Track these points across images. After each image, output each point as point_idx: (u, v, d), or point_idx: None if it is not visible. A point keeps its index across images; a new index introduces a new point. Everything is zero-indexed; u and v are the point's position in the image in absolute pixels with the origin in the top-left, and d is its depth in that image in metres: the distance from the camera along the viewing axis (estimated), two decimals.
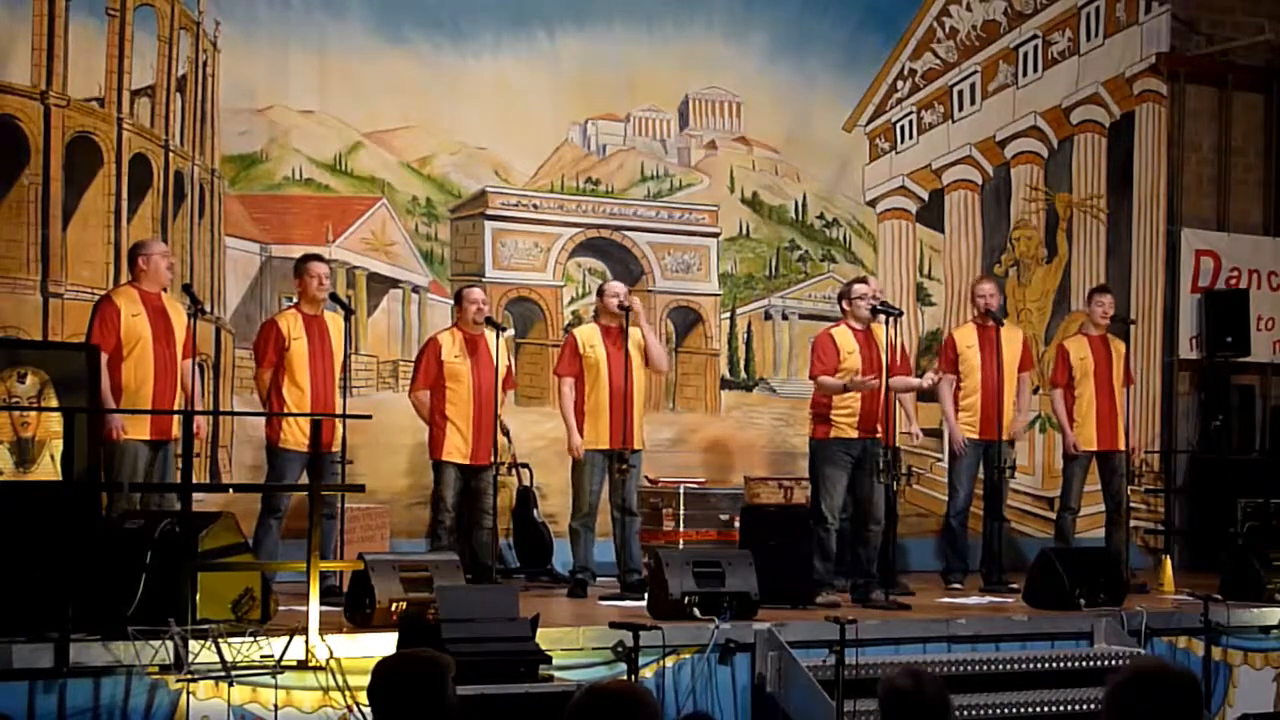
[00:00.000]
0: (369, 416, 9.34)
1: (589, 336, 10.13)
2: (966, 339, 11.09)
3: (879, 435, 9.84)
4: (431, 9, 11.49)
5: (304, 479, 8.94)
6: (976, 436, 10.92)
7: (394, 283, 11.45)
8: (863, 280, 10.45)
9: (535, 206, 11.93)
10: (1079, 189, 13.76)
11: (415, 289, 11.51)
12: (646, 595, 8.86)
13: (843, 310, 10.19)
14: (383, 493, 10.39)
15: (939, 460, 11.49)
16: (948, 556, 11.16)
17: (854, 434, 9.87)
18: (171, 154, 10.66)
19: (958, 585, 10.80)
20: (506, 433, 10.64)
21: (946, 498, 11.27)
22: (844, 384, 9.78)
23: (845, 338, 9.99)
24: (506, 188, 11.82)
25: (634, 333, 10.07)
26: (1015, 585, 10.30)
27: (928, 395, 11.14)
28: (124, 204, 10.46)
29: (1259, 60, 14.39)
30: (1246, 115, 14.47)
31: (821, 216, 12.94)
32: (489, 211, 11.75)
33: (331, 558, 8.68)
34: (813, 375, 10.10)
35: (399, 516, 10.59)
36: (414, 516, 10.71)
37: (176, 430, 8.74)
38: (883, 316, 9.94)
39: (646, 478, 10.41)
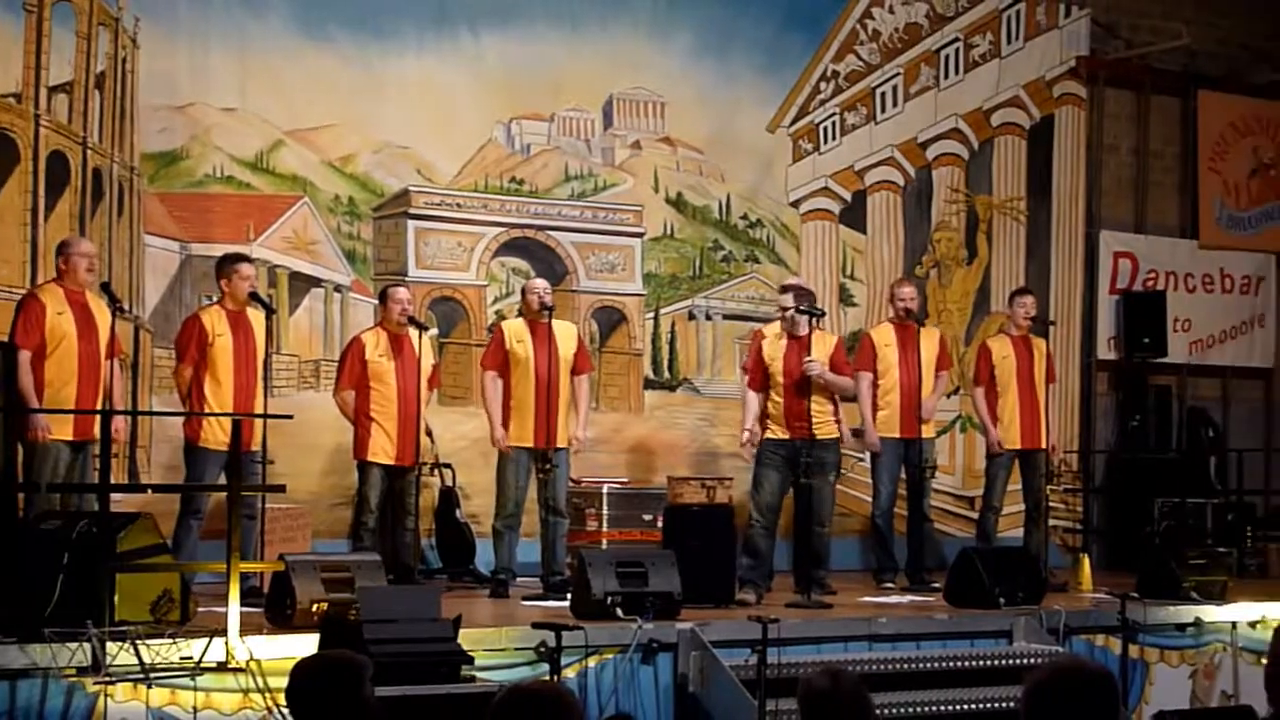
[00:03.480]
0: (290, 416, 9.22)
1: (518, 331, 10.10)
2: (884, 338, 11.14)
3: (807, 435, 9.88)
4: (354, 7, 11.41)
5: (222, 479, 8.88)
6: (896, 435, 10.98)
7: (316, 282, 11.37)
8: (786, 290, 10.44)
9: (459, 206, 11.88)
10: (999, 191, 13.87)
11: (338, 288, 11.44)
12: (569, 595, 8.86)
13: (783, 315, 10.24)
14: (304, 493, 10.30)
15: (860, 459, 11.51)
16: (878, 556, 11.21)
17: (784, 435, 9.94)
18: (90, 151, 10.54)
19: (890, 585, 10.84)
20: (429, 433, 10.60)
21: (869, 497, 11.35)
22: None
23: (774, 345, 10.04)
24: (430, 187, 11.76)
25: (562, 331, 10.08)
26: (937, 584, 10.37)
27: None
28: (41, 201, 10.33)
29: (1176, 64, 14.54)
30: (1164, 119, 14.63)
31: (745, 217, 12.97)
32: (412, 210, 11.69)
33: (252, 558, 8.62)
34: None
35: (320, 517, 10.50)
36: (335, 517, 10.66)
37: (99, 431, 8.65)
38: (811, 319, 10.00)
39: (570, 478, 10.39)
